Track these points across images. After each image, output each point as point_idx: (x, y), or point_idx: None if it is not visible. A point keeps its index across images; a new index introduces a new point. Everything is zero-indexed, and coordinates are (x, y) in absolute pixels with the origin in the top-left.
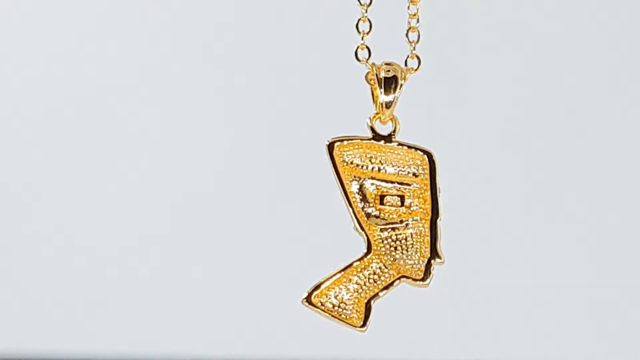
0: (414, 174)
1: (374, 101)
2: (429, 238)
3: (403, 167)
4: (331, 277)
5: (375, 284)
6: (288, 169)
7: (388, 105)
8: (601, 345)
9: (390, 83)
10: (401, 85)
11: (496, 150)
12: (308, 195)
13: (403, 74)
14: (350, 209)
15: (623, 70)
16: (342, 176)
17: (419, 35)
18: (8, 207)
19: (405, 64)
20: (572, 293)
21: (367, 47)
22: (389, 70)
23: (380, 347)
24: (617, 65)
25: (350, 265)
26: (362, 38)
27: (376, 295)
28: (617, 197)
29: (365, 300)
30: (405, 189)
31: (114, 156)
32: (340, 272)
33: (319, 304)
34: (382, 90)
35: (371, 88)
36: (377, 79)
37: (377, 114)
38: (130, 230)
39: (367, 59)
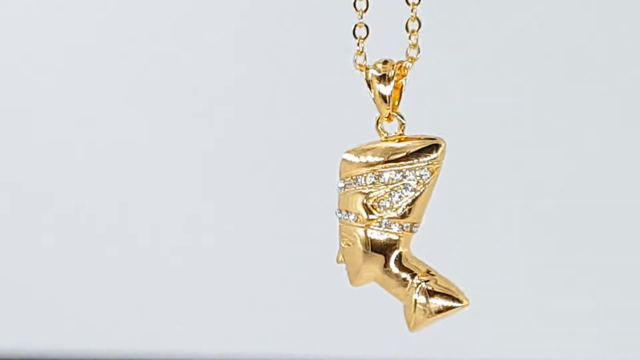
0: None
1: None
2: None
3: None
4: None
5: None
6: (289, 169)
7: (385, 99)
8: (601, 345)
9: (385, 78)
10: (397, 78)
11: (498, 148)
12: (313, 195)
13: (399, 66)
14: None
15: (625, 72)
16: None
17: (419, 24)
18: (6, 201)
19: (406, 54)
20: (571, 292)
21: (364, 53)
22: (385, 64)
23: (380, 347)
24: (619, 68)
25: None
26: (358, 44)
27: None
28: (617, 196)
29: None
30: None
31: (120, 155)
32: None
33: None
34: (379, 85)
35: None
36: (376, 77)
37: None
38: (132, 229)
39: (364, 64)
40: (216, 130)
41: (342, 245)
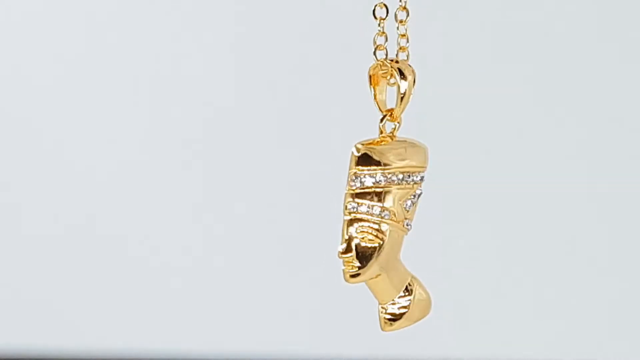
0: None
1: (377, 101)
2: None
3: None
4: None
5: None
6: (288, 169)
7: (404, 95)
8: (601, 345)
9: (404, 75)
10: (410, 78)
11: (494, 146)
12: (315, 196)
13: (410, 68)
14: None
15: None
16: None
17: (407, 39)
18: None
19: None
20: (571, 292)
21: (386, 48)
22: (394, 62)
23: (379, 346)
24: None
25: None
26: (387, 39)
27: None
28: (616, 196)
29: None
30: None
31: (119, 157)
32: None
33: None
34: (400, 79)
35: (374, 89)
36: (395, 69)
37: (389, 110)
38: (132, 229)
39: (385, 59)
40: (216, 131)
41: (363, 242)
